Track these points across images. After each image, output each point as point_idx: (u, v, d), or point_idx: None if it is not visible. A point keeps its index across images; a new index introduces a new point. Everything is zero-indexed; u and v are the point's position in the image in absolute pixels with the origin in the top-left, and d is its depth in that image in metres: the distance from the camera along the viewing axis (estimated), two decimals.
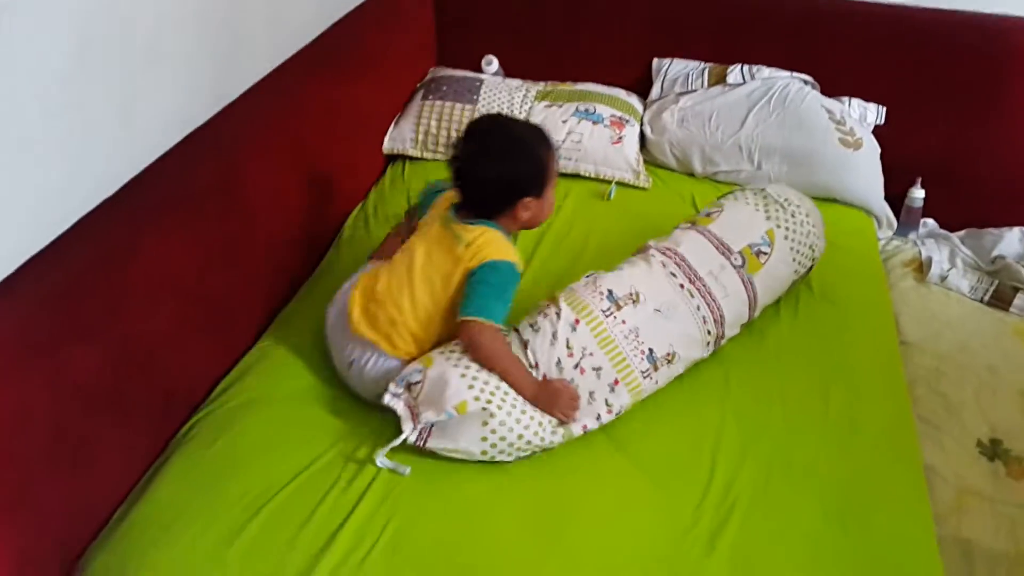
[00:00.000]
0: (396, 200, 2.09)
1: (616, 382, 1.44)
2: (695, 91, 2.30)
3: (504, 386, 1.39)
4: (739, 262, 1.62)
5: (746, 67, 2.31)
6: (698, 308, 1.54)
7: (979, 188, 2.35)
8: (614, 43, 2.42)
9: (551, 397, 1.40)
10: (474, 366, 1.40)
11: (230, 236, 1.59)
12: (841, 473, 1.41)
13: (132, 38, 1.34)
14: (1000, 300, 2.06)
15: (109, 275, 1.30)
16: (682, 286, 1.55)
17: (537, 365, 1.43)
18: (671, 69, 2.37)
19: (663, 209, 2.05)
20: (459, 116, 2.22)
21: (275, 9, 1.75)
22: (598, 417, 1.44)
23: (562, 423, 1.40)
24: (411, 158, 2.25)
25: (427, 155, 2.24)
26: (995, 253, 2.18)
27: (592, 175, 2.17)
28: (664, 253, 1.61)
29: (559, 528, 1.29)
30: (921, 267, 2.16)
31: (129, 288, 1.34)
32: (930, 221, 2.37)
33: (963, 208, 2.36)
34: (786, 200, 1.75)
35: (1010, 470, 1.63)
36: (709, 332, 1.56)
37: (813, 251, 1.75)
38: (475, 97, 2.27)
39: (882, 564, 1.27)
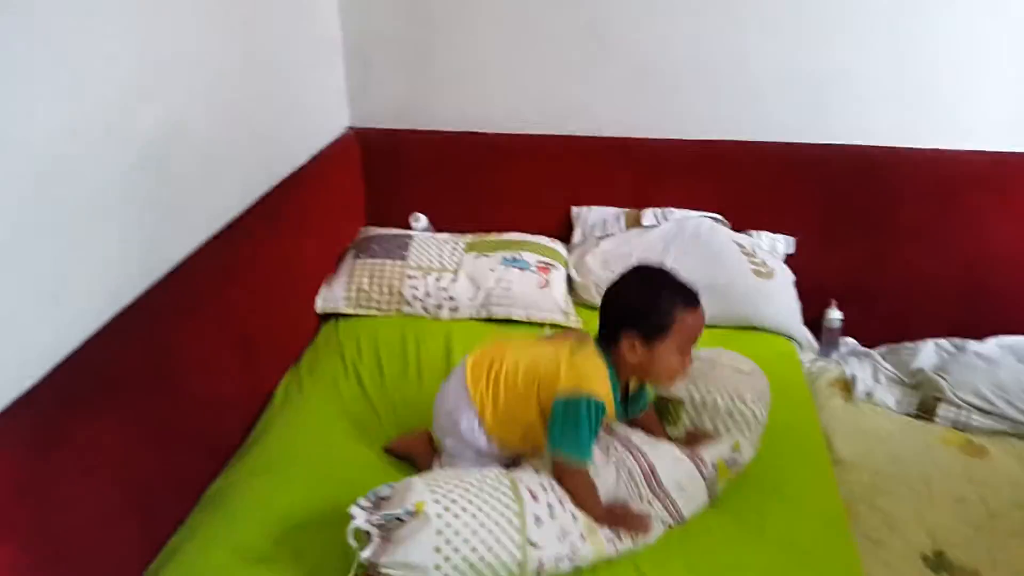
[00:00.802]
0: (330, 359, 2.10)
1: (583, 536, 1.44)
2: (614, 235, 2.42)
3: (466, 498, 1.37)
4: (711, 472, 1.61)
5: (659, 210, 2.45)
6: (660, 519, 1.55)
7: (891, 305, 2.49)
8: (534, 194, 2.56)
9: (617, 522, 1.47)
10: (440, 479, 1.42)
11: (159, 414, 1.56)
12: None
13: (62, 217, 1.37)
14: (925, 411, 2.12)
15: (34, 464, 1.25)
16: (641, 496, 1.55)
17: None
18: (589, 215, 2.50)
19: None
20: (390, 273, 2.29)
21: (205, 183, 1.82)
22: (557, 559, 1.40)
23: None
24: (344, 316, 2.28)
25: (360, 311, 2.27)
26: (914, 366, 2.26)
27: (524, 319, 2.24)
28: (630, 453, 1.60)
29: None
30: (847, 385, 2.23)
31: (54, 477, 1.29)
32: (850, 340, 2.48)
33: (879, 325, 2.48)
34: (741, 400, 1.73)
35: None
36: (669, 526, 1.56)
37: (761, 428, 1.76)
38: (405, 253, 2.34)
39: None
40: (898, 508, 1.82)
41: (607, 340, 1.55)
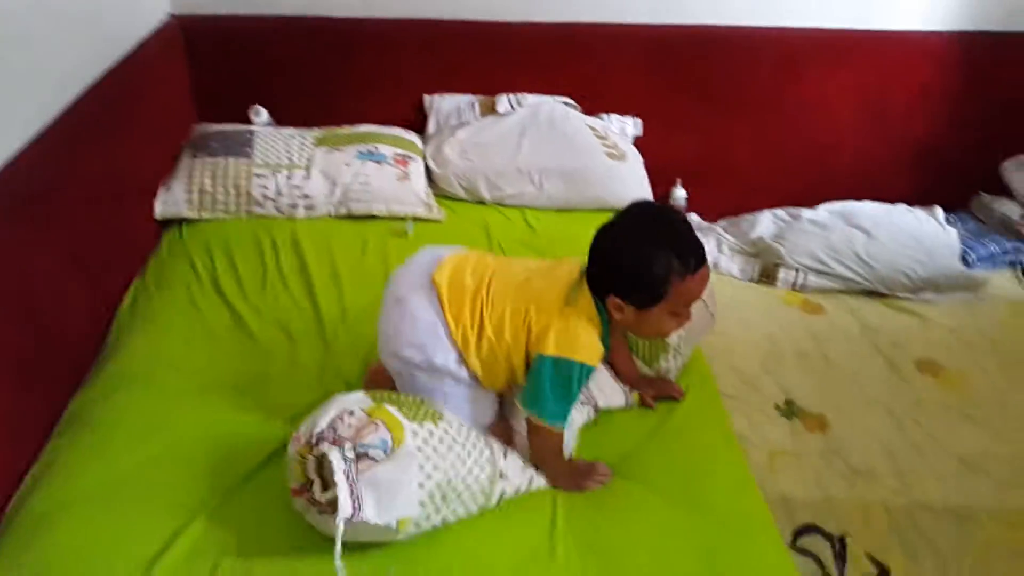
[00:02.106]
0: (178, 266, 1.95)
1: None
2: (469, 123, 2.37)
3: (451, 507, 1.26)
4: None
5: (512, 96, 2.41)
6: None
7: (730, 181, 2.63)
8: (383, 83, 2.45)
9: (577, 481, 1.41)
10: (435, 476, 1.23)
11: None
12: (670, 458, 1.48)
13: None
14: (766, 277, 2.30)
15: None
16: None
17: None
18: (443, 104, 2.43)
19: (461, 238, 2.07)
20: (235, 171, 2.13)
21: (13, 80, 1.58)
22: (516, 491, 1.38)
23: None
24: (188, 220, 2.12)
25: (205, 215, 2.12)
26: (754, 236, 2.43)
27: (385, 214, 2.16)
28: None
29: None
30: None
31: None
32: (694, 216, 2.61)
33: (720, 201, 2.63)
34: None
35: (806, 424, 1.81)
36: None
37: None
38: (249, 150, 2.18)
39: (725, 536, 1.34)
40: (750, 366, 1.99)
41: (597, 289, 1.36)
